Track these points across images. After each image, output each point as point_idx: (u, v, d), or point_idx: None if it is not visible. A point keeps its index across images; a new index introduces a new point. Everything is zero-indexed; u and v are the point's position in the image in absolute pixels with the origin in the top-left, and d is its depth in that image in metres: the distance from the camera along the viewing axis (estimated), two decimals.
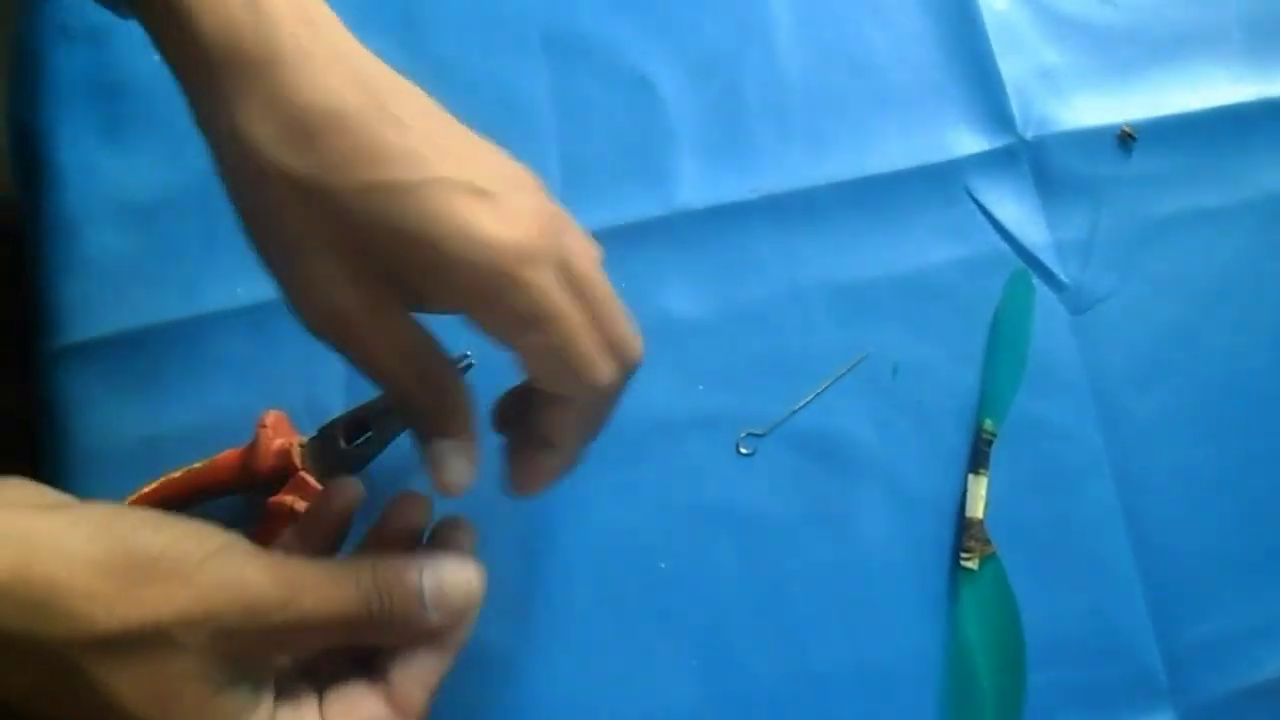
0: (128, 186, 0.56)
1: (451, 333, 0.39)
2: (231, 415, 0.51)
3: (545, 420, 0.40)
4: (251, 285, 0.54)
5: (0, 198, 0.60)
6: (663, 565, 0.52)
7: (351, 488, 0.43)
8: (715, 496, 0.53)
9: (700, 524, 0.52)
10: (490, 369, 0.51)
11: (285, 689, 0.37)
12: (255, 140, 0.35)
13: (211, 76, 0.36)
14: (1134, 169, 0.58)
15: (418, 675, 0.38)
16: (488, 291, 0.36)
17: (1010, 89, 0.59)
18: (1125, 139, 0.58)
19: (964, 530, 0.52)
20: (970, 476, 0.53)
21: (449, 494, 0.39)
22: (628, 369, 0.40)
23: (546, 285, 0.37)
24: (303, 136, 0.35)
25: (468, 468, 0.40)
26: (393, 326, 0.38)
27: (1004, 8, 0.61)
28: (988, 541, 0.52)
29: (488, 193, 0.36)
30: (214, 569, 0.34)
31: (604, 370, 0.38)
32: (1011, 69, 0.60)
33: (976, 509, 0.52)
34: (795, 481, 0.53)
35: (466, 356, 0.50)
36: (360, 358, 0.38)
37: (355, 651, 0.39)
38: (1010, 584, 0.51)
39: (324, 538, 0.43)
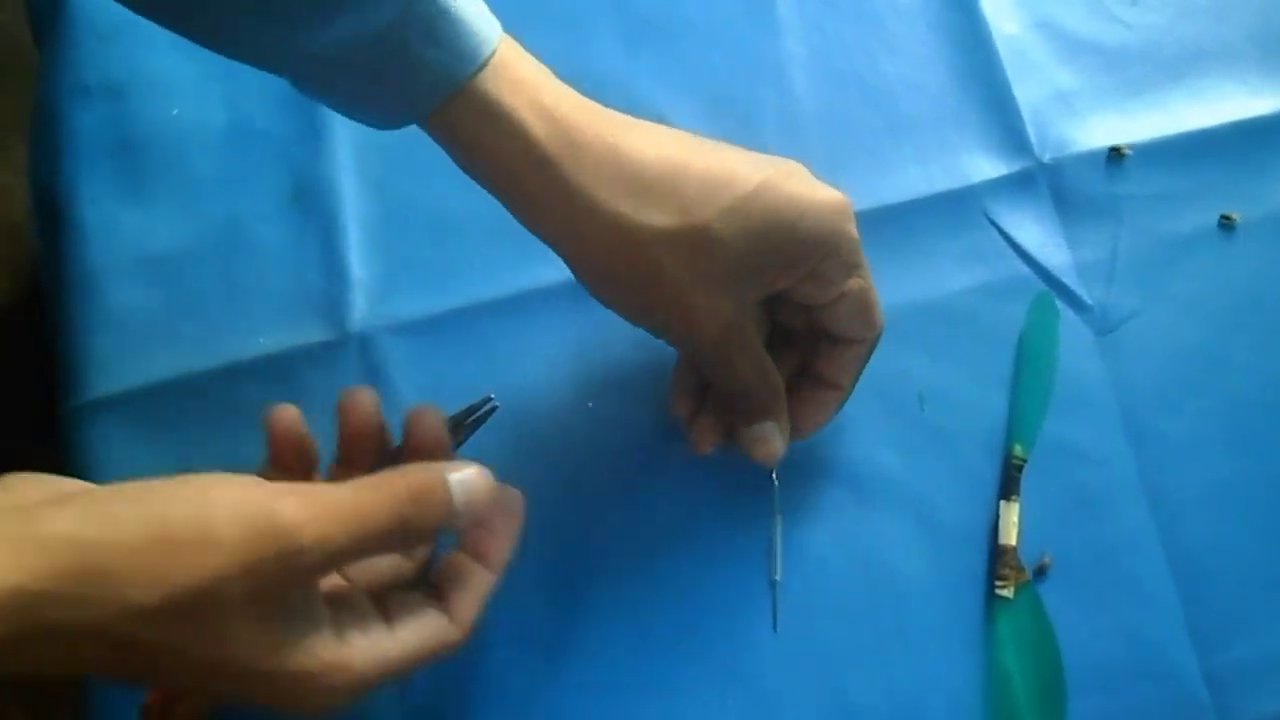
0: (148, 240, 0.57)
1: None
2: (257, 466, 0.51)
3: (831, 367, 0.49)
4: (274, 335, 0.55)
5: (23, 257, 0.61)
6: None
7: (365, 395, 0.46)
8: (744, 529, 0.52)
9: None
10: (510, 412, 0.52)
11: (350, 605, 0.40)
12: (616, 209, 0.42)
13: (555, 170, 0.42)
14: (1153, 187, 0.58)
15: (470, 592, 0.42)
16: (831, 248, 0.44)
17: (1025, 112, 0.59)
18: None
19: (997, 558, 0.51)
20: (1001, 503, 0.52)
21: (767, 463, 0.48)
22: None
23: (858, 233, 0.45)
24: (655, 195, 0.42)
25: (784, 441, 0.48)
26: (755, 336, 0.46)
27: (1016, 31, 0.61)
28: (1022, 569, 0.51)
29: (790, 171, 0.44)
30: (240, 522, 0.35)
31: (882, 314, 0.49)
32: (1026, 92, 0.60)
33: (1009, 536, 0.51)
34: (823, 512, 0.53)
35: (490, 399, 0.50)
36: (733, 366, 0.46)
37: (414, 576, 0.45)
38: (1047, 611, 0.51)
39: (361, 456, 0.46)
